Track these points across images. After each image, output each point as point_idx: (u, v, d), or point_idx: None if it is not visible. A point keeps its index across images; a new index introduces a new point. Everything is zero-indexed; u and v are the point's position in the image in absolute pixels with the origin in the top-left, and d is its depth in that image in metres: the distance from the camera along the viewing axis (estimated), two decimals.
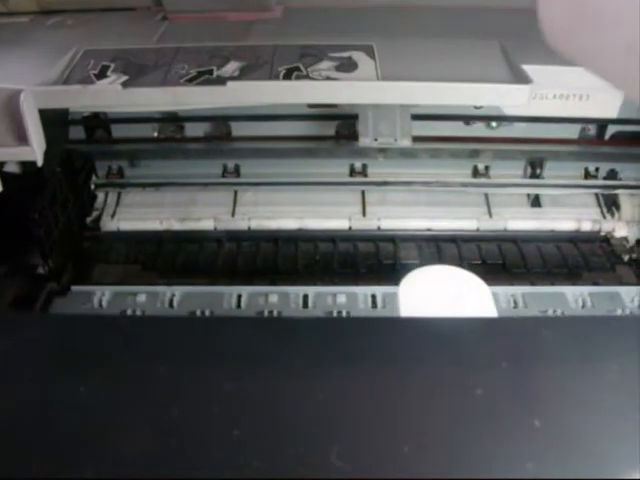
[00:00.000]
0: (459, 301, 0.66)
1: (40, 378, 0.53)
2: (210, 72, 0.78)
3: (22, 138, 0.75)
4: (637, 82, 0.34)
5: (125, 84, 0.76)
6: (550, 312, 0.83)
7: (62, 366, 0.57)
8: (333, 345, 0.50)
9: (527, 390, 0.46)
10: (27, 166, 0.84)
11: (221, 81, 0.75)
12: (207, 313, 0.82)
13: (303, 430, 0.44)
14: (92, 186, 1.01)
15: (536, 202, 1.02)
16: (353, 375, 0.47)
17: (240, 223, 0.97)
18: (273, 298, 0.83)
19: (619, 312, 0.82)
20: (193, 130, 0.97)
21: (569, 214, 0.99)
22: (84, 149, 0.98)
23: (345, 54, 0.80)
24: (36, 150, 0.76)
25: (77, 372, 0.55)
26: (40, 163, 0.77)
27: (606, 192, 1.01)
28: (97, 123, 0.98)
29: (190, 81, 0.77)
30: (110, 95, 0.76)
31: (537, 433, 0.43)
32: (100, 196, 1.02)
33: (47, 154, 0.79)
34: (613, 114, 0.86)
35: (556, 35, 0.34)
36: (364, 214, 0.98)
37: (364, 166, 1.00)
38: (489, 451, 0.44)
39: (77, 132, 0.97)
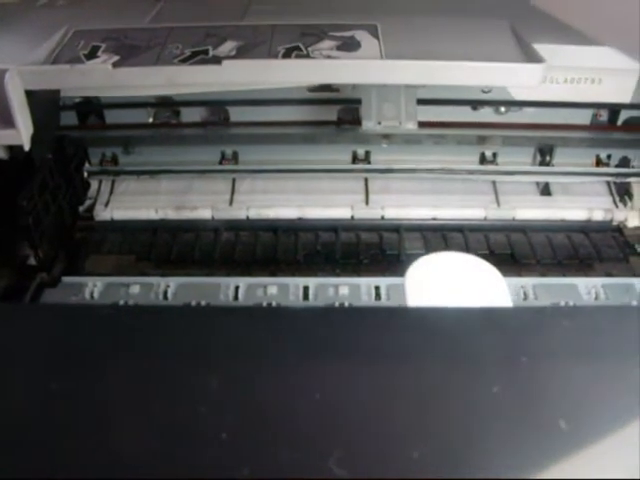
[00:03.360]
0: (471, 290, 0.62)
1: (32, 372, 0.50)
2: (205, 52, 0.74)
3: (7, 121, 0.71)
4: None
5: (116, 64, 0.72)
6: (562, 304, 0.79)
7: (51, 360, 0.54)
8: (337, 337, 0.46)
9: (548, 387, 0.42)
10: (15, 151, 0.80)
11: (217, 60, 0.72)
12: (202, 305, 0.78)
13: (303, 430, 0.40)
14: (85, 174, 0.97)
15: (546, 190, 0.98)
16: (359, 370, 0.44)
17: (238, 212, 0.94)
18: (272, 290, 0.80)
19: (634, 304, 0.78)
20: (189, 115, 0.94)
21: (580, 203, 0.95)
22: (76, 135, 0.94)
23: (347, 33, 0.77)
24: (23, 133, 0.72)
25: (67, 366, 0.52)
26: (27, 147, 0.74)
27: (618, 180, 0.97)
28: (90, 108, 0.94)
29: (184, 61, 0.73)
30: (100, 75, 0.72)
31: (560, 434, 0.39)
32: (93, 184, 0.98)
33: (37, 140, 0.75)
34: (627, 99, 0.83)
35: None
36: (367, 202, 0.95)
37: (367, 153, 0.97)
38: (504, 452, 0.40)
39: (69, 118, 0.94)
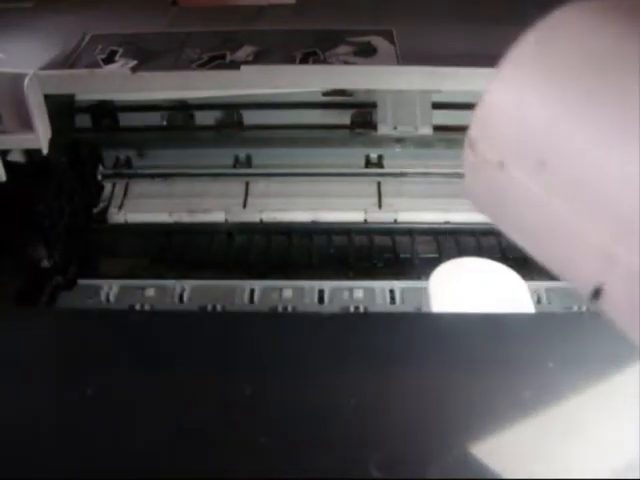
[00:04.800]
0: (497, 296, 0.63)
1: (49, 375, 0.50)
2: (223, 57, 0.75)
3: (27, 125, 0.72)
4: None
5: (134, 69, 0.73)
6: (575, 308, 0.80)
7: (70, 364, 0.54)
8: (368, 343, 0.47)
9: (575, 392, 0.43)
10: (32, 155, 0.81)
11: (235, 66, 0.72)
12: (219, 308, 0.79)
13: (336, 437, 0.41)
14: (99, 176, 0.98)
15: None
16: (391, 376, 0.44)
17: (252, 215, 0.94)
18: (287, 293, 0.80)
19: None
20: (203, 118, 0.94)
21: None
22: (91, 138, 0.95)
23: (364, 39, 0.77)
24: (41, 137, 0.73)
25: (85, 370, 0.52)
26: (45, 151, 0.75)
27: None
28: (104, 111, 0.95)
29: (202, 66, 0.74)
30: (118, 80, 0.73)
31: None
32: (107, 187, 0.99)
33: (53, 143, 0.76)
34: None
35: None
36: (380, 206, 0.95)
37: (380, 157, 0.97)
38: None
39: (84, 120, 0.94)
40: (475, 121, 0.26)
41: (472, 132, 0.26)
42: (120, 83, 0.72)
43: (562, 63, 0.23)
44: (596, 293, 0.22)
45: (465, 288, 0.64)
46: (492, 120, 0.25)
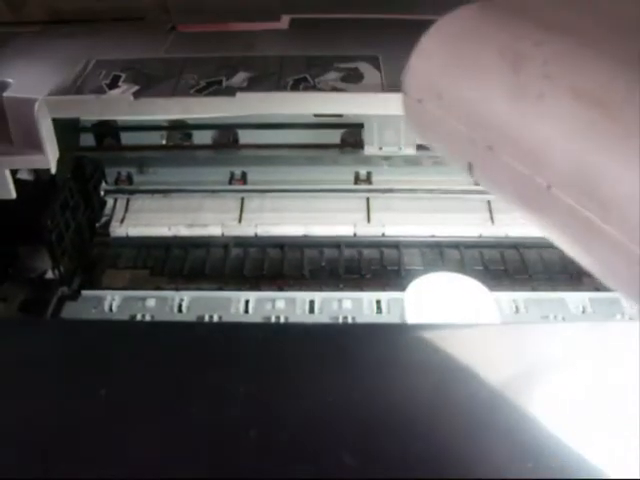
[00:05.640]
0: (463, 307, 0.67)
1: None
2: (219, 82, 0.80)
3: (37, 146, 0.77)
4: None
5: (136, 94, 0.78)
6: (551, 317, 0.84)
7: (77, 371, 0.59)
8: (343, 352, 0.52)
9: (538, 399, 0.47)
10: (40, 173, 0.86)
11: (230, 92, 0.77)
12: (215, 318, 0.84)
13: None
14: (102, 192, 1.03)
15: None
16: (360, 383, 0.49)
17: (247, 229, 0.99)
18: (280, 304, 0.85)
19: (618, 317, 0.84)
20: (201, 138, 0.98)
21: None
22: (94, 156, 1.00)
23: (351, 65, 0.82)
24: (50, 158, 0.78)
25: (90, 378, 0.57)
26: (54, 171, 0.80)
27: None
28: (106, 130, 0.99)
29: (200, 91, 0.79)
30: (122, 105, 0.78)
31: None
32: (109, 202, 1.03)
33: (59, 161, 0.81)
34: None
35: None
36: (369, 220, 1.00)
37: (369, 173, 1.02)
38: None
39: (87, 139, 0.99)
40: (404, 75, 0.44)
41: (404, 81, 0.45)
42: (123, 108, 0.77)
43: (454, 40, 0.41)
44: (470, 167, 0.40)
45: (436, 301, 0.70)
46: (414, 74, 0.44)
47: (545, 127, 0.33)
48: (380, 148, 0.84)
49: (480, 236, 0.99)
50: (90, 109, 0.78)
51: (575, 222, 0.31)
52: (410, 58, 0.44)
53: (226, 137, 0.99)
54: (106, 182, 1.03)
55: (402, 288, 0.87)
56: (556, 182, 0.32)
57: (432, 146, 0.46)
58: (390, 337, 0.53)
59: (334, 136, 0.96)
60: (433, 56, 0.42)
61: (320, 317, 0.84)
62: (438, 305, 0.69)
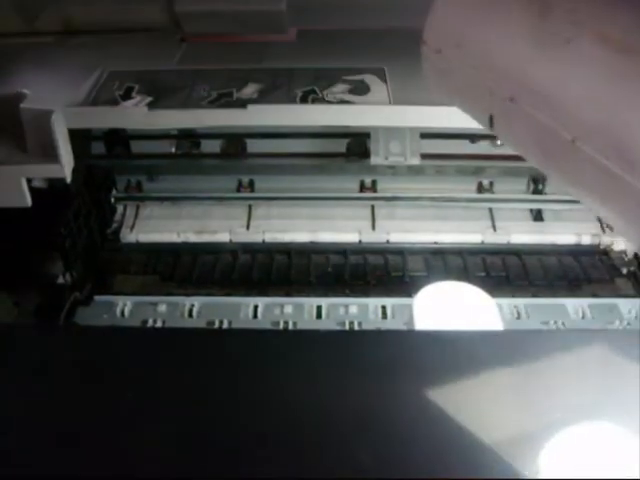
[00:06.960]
0: (469, 315, 0.70)
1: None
2: (230, 94, 0.82)
3: (52, 156, 0.79)
4: None
5: (150, 106, 0.80)
6: (551, 323, 0.87)
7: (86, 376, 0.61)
8: (358, 357, 0.54)
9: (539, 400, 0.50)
10: (54, 181, 0.88)
11: (241, 104, 0.79)
12: (225, 323, 0.86)
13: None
14: (112, 199, 1.05)
15: (538, 216, 1.05)
16: (374, 386, 0.51)
17: (255, 236, 1.01)
18: (288, 309, 0.87)
19: (617, 323, 0.86)
20: (209, 146, 1.00)
21: (570, 228, 1.02)
22: (105, 164, 1.02)
23: (358, 77, 0.84)
24: (65, 168, 0.80)
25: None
26: (69, 180, 0.82)
27: None
28: (117, 139, 1.01)
29: (212, 103, 0.81)
30: (136, 116, 0.80)
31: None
32: (119, 209, 1.05)
33: (73, 169, 0.83)
34: None
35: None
36: (374, 228, 1.02)
37: (374, 182, 1.04)
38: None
39: (98, 147, 1.01)
40: (426, 26, 0.43)
41: (424, 33, 0.44)
42: (138, 119, 0.79)
43: None
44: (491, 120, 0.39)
45: (442, 309, 0.72)
46: (433, 23, 0.43)
47: (571, 75, 0.31)
48: (386, 158, 0.87)
49: (482, 243, 1.01)
50: (105, 120, 0.81)
51: (601, 177, 0.30)
52: (431, 6, 0.43)
53: (234, 146, 1.01)
54: (116, 189, 1.06)
55: (406, 294, 0.89)
56: (582, 135, 0.31)
57: (451, 100, 0.45)
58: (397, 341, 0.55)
59: (340, 145, 0.99)
60: (455, 3, 0.41)
61: (327, 322, 0.86)
62: (445, 313, 0.72)
